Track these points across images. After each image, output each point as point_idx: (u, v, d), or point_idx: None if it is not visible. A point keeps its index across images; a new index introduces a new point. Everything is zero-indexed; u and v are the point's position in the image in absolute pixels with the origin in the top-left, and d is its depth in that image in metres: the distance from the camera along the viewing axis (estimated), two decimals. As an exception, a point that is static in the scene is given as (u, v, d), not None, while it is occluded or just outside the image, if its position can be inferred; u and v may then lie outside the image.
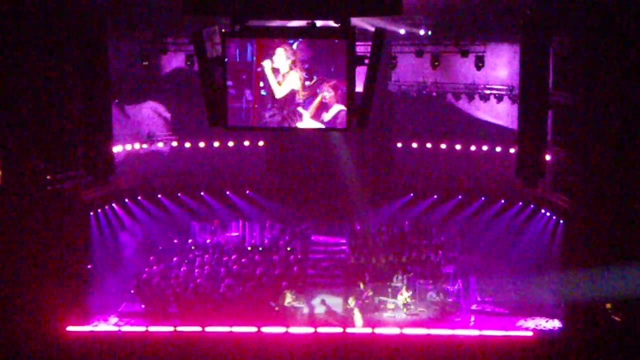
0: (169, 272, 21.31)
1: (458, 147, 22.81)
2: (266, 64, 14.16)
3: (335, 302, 20.24)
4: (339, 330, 18.64)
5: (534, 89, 16.38)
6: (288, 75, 14.17)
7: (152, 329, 18.78)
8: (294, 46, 13.91)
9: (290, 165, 24.13)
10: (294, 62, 14.08)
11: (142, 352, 17.99)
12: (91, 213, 20.96)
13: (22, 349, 17.38)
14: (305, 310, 19.87)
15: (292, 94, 14.45)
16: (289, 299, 19.88)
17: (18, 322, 17.61)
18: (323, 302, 20.09)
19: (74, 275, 19.21)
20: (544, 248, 21.59)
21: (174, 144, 23.02)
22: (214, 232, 23.75)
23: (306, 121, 14.27)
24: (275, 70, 14.16)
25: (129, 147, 22.24)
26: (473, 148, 22.72)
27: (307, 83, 13.93)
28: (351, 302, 19.74)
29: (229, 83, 14.07)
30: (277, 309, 19.63)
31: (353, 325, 19.10)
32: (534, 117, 16.46)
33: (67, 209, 19.09)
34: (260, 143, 23.92)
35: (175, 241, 23.27)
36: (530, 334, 18.76)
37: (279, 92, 14.29)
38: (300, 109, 14.33)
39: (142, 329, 18.96)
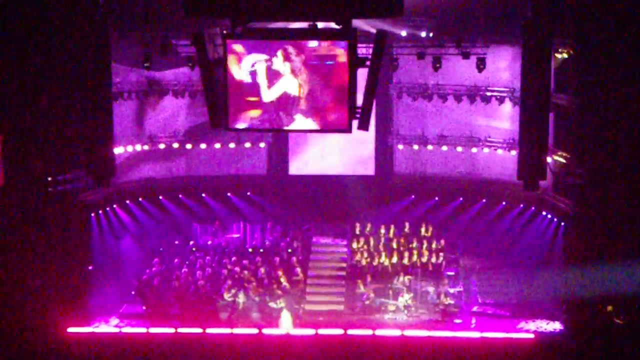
0: (170, 274, 21.27)
1: (459, 149, 22.82)
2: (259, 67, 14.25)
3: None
4: (340, 331, 18.62)
5: (536, 91, 16.35)
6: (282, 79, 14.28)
7: (153, 330, 18.74)
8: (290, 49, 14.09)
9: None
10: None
11: (143, 353, 17.93)
12: (92, 214, 20.95)
13: (23, 350, 17.33)
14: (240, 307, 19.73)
15: (286, 98, 14.52)
16: (227, 296, 19.82)
17: (18, 323, 17.59)
18: (249, 299, 19.82)
19: (74, 276, 19.19)
20: (545, 250, 21.57)
21: (175, 145, 22.99)
22: (215, 233, 23.71)
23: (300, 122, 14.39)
24: (273, 73, 14.26)
25: (130, 148, 22.22)
26: (474, 150, 22.73)
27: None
28: (280, 302, 19.48)
29: None
30: (225, 313, 19.60)
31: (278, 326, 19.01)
32: (536, 120, 16.44)
33: (68, 210, 19.08)
34: (262, 145, 23.89)
35: (177, 243, 23.25)
36: (531, 336, 18.72)
37: (268, 96, 14.37)
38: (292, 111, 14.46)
39: (143, 330, 18.93)
